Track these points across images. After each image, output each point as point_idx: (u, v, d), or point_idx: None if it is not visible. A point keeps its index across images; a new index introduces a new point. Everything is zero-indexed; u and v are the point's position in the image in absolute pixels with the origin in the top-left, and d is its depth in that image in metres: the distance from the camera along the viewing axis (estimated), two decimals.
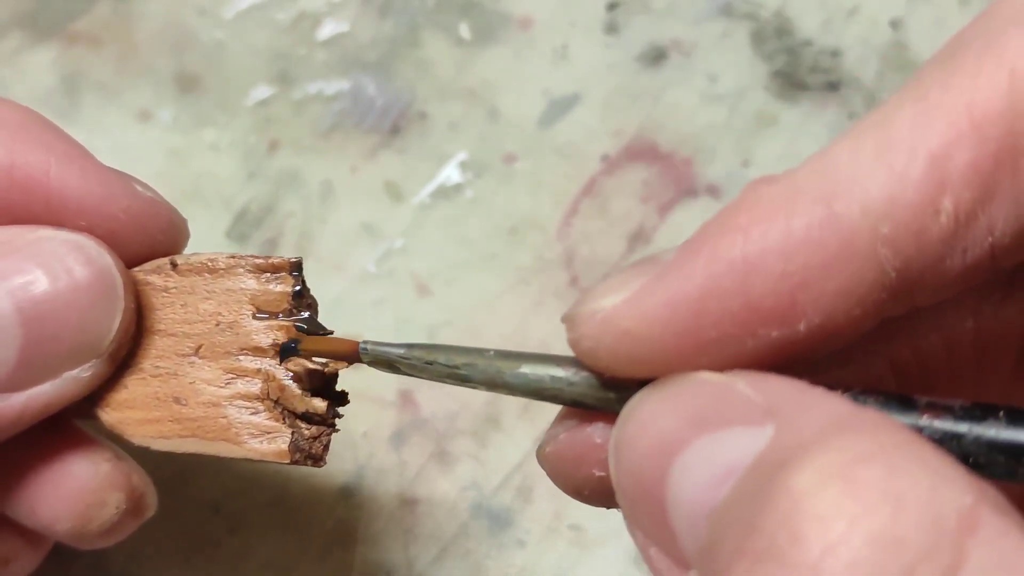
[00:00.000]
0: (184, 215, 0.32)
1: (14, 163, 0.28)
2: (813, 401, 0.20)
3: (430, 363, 0.26)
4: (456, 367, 0.26)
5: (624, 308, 0.21)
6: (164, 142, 0.47)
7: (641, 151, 0.47)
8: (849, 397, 0.21)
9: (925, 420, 0.21)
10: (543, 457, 0.26)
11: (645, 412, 0.22)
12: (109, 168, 0.30)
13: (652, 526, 0.22)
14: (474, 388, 0.26)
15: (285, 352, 0.29)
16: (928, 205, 0.20)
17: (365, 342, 0.27)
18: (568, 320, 0.23)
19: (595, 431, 0.25)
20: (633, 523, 0.22)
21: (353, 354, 0.28)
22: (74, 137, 0.30)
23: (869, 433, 0.19)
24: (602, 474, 0.23)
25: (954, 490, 0.18)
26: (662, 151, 0.47)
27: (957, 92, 0.20)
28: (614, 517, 0.41)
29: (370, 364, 0.27)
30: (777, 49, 0.49)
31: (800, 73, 0.48)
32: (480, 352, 0.26)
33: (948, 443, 0.21)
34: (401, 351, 0.26)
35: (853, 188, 0.20)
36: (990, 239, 0.21)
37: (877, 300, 0.21)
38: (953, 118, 0.20)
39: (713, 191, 0.46)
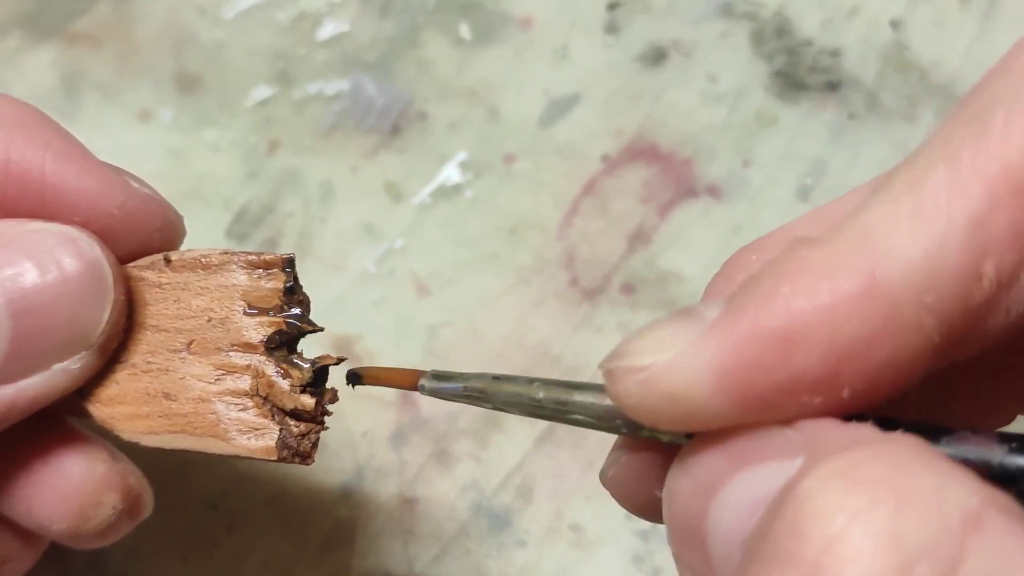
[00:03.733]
0: (184, 215, 0.32)
1: (10, 158, 0.28)
2: (844, 431, 0.20)
3: (488, 401, 0.26)
4: (511, 405, 0.26)
5: (666, 371, 0.21)
6: (164, 142, 0.47)
7: (641, 151, 0.47)
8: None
9: (951, 449, 0.21)
10: (606, 481, 0.27)
11: (688, 456, 0.22)
12: (105, 164, 0.30)
13: (697, 563, 0.22)
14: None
15: (350, 379, 0.29)
16: (971, 271, 0.20)
17: (423, 378, 0.27)
18: (607, 375, 0.22)
19: (653, 454, 0.25)
20: (681, 563, 0.22)
21: (412, 387, 0.27)
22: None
23: (879, 442, 0.19)
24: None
25: (960, 491, 0.18)
26: (662, 151, 0.47)
27: (989, 156, 0.20)
28: (614, 517, 0.41)
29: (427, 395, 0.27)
30: (777, 49, 0.49)
31: (800, 73, 0.48)
32: (532, 384, 0.25)
33: (977, 471, 0.21)
34: (459, 389, 0.26)
35: (894, 257, 0.20)
36: None
37: (922, 364, 0.21)
38: (989, 183, 0.20)
39: (713, 191, 0.46)
